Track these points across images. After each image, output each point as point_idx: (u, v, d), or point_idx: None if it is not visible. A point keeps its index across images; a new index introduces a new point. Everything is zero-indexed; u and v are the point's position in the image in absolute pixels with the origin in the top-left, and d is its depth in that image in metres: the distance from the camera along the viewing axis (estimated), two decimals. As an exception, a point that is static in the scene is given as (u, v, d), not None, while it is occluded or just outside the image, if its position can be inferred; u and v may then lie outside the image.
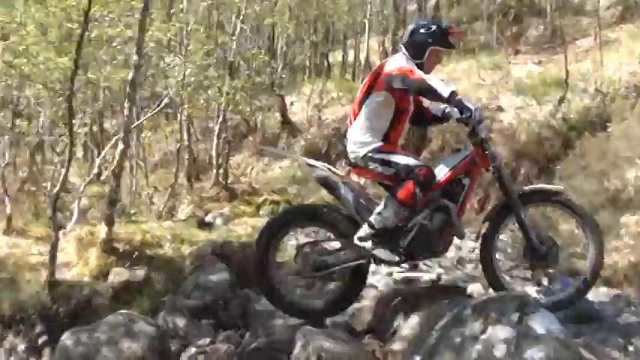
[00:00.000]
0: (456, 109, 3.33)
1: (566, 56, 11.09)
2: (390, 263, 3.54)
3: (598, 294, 4.17)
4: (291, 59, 17.56)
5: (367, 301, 3.80)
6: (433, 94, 3.24)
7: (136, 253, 4.81)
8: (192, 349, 3.54)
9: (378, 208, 3.39)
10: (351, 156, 3.52)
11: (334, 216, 3.59)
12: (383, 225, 3.37)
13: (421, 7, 18.29)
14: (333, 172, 3.60)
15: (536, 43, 15.51)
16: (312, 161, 3.72)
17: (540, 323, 2.81)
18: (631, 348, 3.15)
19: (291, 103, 14.53)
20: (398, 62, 3.40)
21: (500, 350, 2.68)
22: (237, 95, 10.34)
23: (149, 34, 7.30)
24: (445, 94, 3.18)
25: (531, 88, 11.74)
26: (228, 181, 10.65)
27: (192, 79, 8.73)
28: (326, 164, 3.64)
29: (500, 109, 11.49)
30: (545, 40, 15.34)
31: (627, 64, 10.81)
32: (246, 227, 6.50)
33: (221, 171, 10.52)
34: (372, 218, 3.40)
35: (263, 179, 11.87)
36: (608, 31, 13.69)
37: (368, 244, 3.41)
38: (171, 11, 9.71)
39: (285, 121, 13.76)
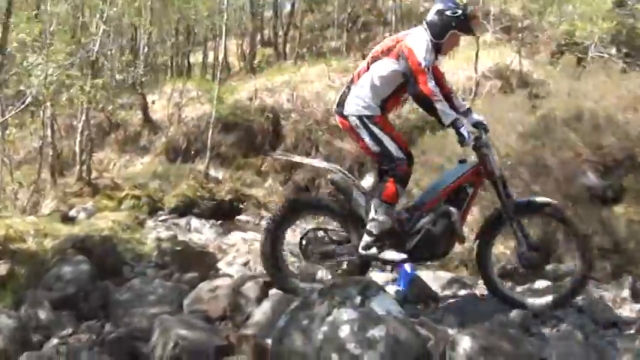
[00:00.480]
0: (474, 117, 3.70)
1: (408, 62, 12.82)
2: (396, 262, 3.72)
3: (436, 277, 4.70)
4: (153, 59, 17.89)
5: (222, 289, 3.98)
6: (432, 112, 3.47)
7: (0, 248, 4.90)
8: (55, 340, 3.56)
9: (370, 215, 3.56)
10: (348, 109, 3.61)
11: (341, 207, 3.76)
12: (380, 229, 3.55)
13: (277, 12, 19.69)
14: (347, 176, 3.74)
15: (382, 49, 17.61)
16: (326, 164, 3.87)
17: (381, 305, 3.01)
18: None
19: (153, 102, 14.80)
20: (418, 47, 3.47)
21: (344, 331, 2.85)
22: (99, 94, 10.79)
23: (13, 35, 7.64)
24: (445, 121, 3.46)
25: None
26: (92, 177, 10.86)
27: (55, 77, 9.09)
28: (338, 167, 3.80)
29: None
30: (390, 47, 17.45)
31: (464, 69, 11.98)
32: (107, 221, 6.72)
33: (84, 167, 10.74)
34: (368, 226, 3.57)
35: (125, 175, 12.07)
36: None
37: (373, 251, 3.58)
38: (34, 13, 9.87)
39: (147, 119, 14.10)
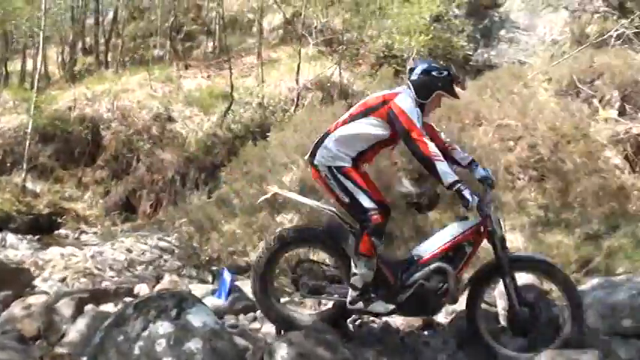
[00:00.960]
0: (481, 171, 3.63)
1: (231, 72, 12.54)
2: (384, 315, 3.65)
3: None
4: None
5: (36, 307, 3.88)
6: (433, 174, 3.40)
7: None
8: None
9: (352, 269, 3.51)
10: (320, 159, 3.61)
11: (332, 240, 3.69)
12: (364, 282, 3.49)
13: (98, 20, 19.15)
14: (343, 220, 3.66)
15: (206, 58, 17.16)
16: (325, 207, 3.73)
17: (197, 317, 3.03)
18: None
19: (-35, 113, 14.17)
20: (409, 107, 3.46)
21: (160, 345, 2.84)
22: None
23: None
24: (446, 183, 3.37)
25: (200, 100, 13.07)
26: None
27: None
28: (335, 209, 3.67)
29: (171, 119, 12.85)
30: (213, 57, 16.97)
31: (286, 80, 12.45)
32: None
33: None
34: (352, 280, 3.52)
35: None
36: (271, 51, 15.41)
37: (360, 305, 3.51)
38: None
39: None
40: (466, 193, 3.32)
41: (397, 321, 4.01)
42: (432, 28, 11.84)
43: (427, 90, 3.56)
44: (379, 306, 3.51)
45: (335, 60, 12.53)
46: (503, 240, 3.54)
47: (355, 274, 3.50)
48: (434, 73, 3.58)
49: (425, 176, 6.45)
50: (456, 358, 3.58)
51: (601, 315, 3.62)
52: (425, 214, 6.41)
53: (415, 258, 3.60)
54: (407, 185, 6.66)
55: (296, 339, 3.16)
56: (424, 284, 3.50)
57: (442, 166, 3.37)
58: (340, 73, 12.05)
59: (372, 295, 3.52)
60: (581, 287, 3.96)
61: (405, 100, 3.52)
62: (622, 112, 7.07)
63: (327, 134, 3.68)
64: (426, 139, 3.40)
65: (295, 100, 11.94)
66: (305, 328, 3.42)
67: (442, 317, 4.31)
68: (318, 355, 3.05)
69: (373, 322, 4.00)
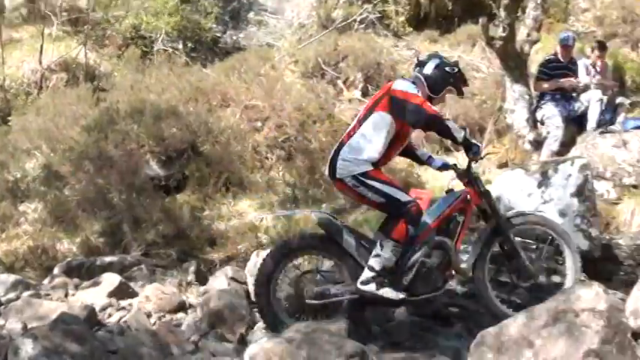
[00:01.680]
0: (437, 161, 4.28)
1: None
2: (394, 302, 3.90)
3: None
4: None
5: None
6: (445, 132, 3.88)
7: None
8: None
9: (376, 251, 3.80)
10: (341, 172, 3.85)
11: (332, 241, 3.96)
12: (383, 266, 3.79)
13: None
14: (335, 219, 4.02)
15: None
16: (317, 212, 4.22)
17: None
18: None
19: None
20: (408, 88, 3.84)
21: None
22: None
23: None
24: (459, 136, 3.85)
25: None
26: None
27: None
28: (327, 212, 4.14)
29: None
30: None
31: (29, 61, 11.87)
32: None
33: None
34: (371, 262, 3.79)
35: None
36: (13, 31, 14.17)
37: (372, 287, 3.77)
38: None
39: None
40: (474, 141, 4.02)
41: (148, 306, 4.37)
42: (181, 9, 12.44)
43: (440, 85, 3.98)
44: (390, 292, 3.82)
45: (80, 40, 12.41)
46: (492, 201, 4.18)
47: (378, 256, 3.81)
48: (447, 69, 4.00)
49: (173, 158, 7.05)
50: (208, 337, 4.08)
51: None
52: (173, 196, 6.87)
53: (411, 239, 3.94)
54: (155, 168, 7.06)
55: (41, 333, 3.22)
56: (426, 262, 3.91)
57: (451, 124, 3.92)
58: (86, 54, 11.97)
59: (385, 280, 3.83)
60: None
61: (402, 83, 3.96)
62: (365, 93, 8.38)
63: (341, 145, 3.96)
64: (432, 106, 3.84)
65: (39, 82, 11.48)
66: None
67: (194, 299, 4.86)
68: (66, 348, 3.15)
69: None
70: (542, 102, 7.75)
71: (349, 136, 4.01)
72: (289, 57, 9.61)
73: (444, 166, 4.39)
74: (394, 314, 4.37)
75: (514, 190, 5.43)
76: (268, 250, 4.30)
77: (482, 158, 4.25)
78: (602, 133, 7.30)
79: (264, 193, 6.89)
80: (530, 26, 8.04)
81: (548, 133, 7.53)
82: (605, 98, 7.81)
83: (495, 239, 4.20)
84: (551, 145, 7.36)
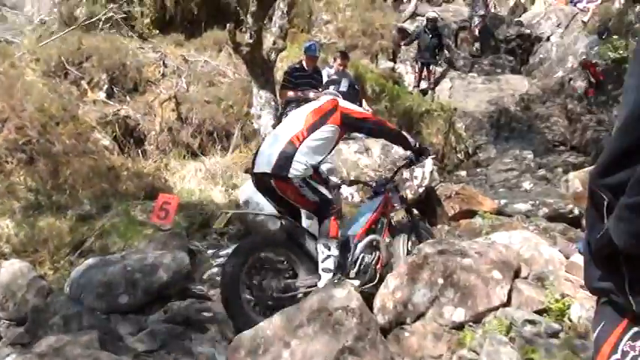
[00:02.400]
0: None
1: None
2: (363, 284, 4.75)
3: None
4: None
5: None
6: (403, 141, 5.16)
7: None
8: None
9: (324, 253, 4.65)
10: (295, 173, 4.55)
11: (291, 240, 4.81)
12: (337, 263, 4.68)
13: None
14: (294, 223, 4.80)
15: None
16: (277, 214, 4.94)
17: None
18: None
19: None
20: (351, 105, 4.97)
21: None
22: None
23: None
24: (413, 143, 5.15)
25: None
26: None
27: None
28: (287, 216, 4.81)
29: None
30: None
31: None
32: None
33: None
34: (325, 264, 4.63)
35: None
36: None
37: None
38: None
39: None
40: (425, 146, 5.51)
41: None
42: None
43: (353, 102, 5.08)
44: (356, 280, 4.74)
45: None
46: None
47: (328, 257, 4.63)
48: (357, 87, 5.42)
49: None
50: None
51: (98, 294, 4.52)
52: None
53: (350, 237, 4.93)
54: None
55: None
56: (365, 257, 4.88)
57: (406, 134, 5.15)
58: None
59: (339, 276, 4.66)
60: (77, 269, 4.82)
61: (347, 103, 4.96)
62: (110, 95, 8.46)
63: (293, 149, 4.59)
64: (382, 119, 5.09)
65: None
66: None
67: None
68: None
69: None
70: (288, 109, 8.30)
71: (299, 140, 4.62)
72: (30, 55, 9.50)
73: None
74: (146, 322, 4.58)
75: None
76: (226, 257, 4.88)
77: (387, 190, 5.38)
78: (345, 139, 7.98)
79: (5, 199, 6.75)
80: (276, 34, 8.80)
81: None
82: None
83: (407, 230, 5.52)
84: None
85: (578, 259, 4.62)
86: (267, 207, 5.73)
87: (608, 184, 1.65)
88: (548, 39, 17.29)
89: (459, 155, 12.12)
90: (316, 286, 4.65)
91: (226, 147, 7.84)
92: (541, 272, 4.74)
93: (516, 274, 4.53)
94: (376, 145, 8.06)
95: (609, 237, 1.59)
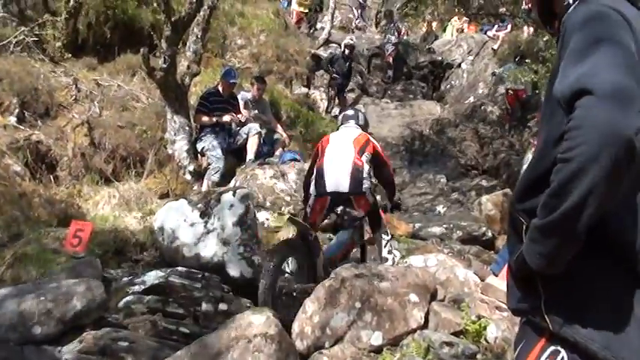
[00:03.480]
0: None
1: None
2: None
3: None
4: None
5: None
6: (392, 191, 6.84)
7: None
8: None
9: (385, 240, 6.36)
10: (364, 188, 6.05)
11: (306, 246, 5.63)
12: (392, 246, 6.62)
13: None
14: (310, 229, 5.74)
15: None
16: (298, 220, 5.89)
17: None
18: None
19: None
20: (378, 144, 6.54)
21: None
22: None
23: None
24: (396, 194, 6.84)
25: None
26: None
27: None
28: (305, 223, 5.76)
29: None
30: None
31: None
32: None
33: None
34: (387, 249, 6.36)
35: None
36: None
37: None
38: None
39: None
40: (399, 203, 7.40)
41: None
42: None
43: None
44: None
45: None
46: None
47: (387, 242, 6.41)
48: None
49: None
50: None
51: (11, 325, 4.44)
52: None
53: (331, 258, 6.06)
54: None
55: None
56: None
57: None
58: None
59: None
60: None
61: (375, 141, 6.52)
62: (21, 119, 8.24)
63: (355, 167, 6.02)
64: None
65: None
66: None
67: None
68: None
69: None
70: (203, 134, 8.65)
71: (360, 161, 6.08)
72: None
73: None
74: (61, 352, 4.54)
75: (177, 221, 6.02)
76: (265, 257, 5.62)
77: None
78: (260, 164, 8.43)
79: None
80: (190, 59, 8.92)
81: (208, 164, 8.45)
82: (263, 131, 9.08)
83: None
84: (212, 176, 8.27)
85: (493, 280, 4.88)
86: (181, 233, 5.86)
87: (526, 208, 1.77)
88: (459, 66, 18.06)
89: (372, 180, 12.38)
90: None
91: (140, 172, 7.78)
92: (457, 294, 4.95)
93: (433, 296, 4.76)
94: (291, 170, 8.25)
95: (524, 258, 1.71)
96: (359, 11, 21.20)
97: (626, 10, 1.75)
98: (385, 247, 6.24)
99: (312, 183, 6.16)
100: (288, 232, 6.51)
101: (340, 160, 6.01)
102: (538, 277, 1.71)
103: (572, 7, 1.85)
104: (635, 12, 1.80)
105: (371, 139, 6.40)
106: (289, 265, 5.61)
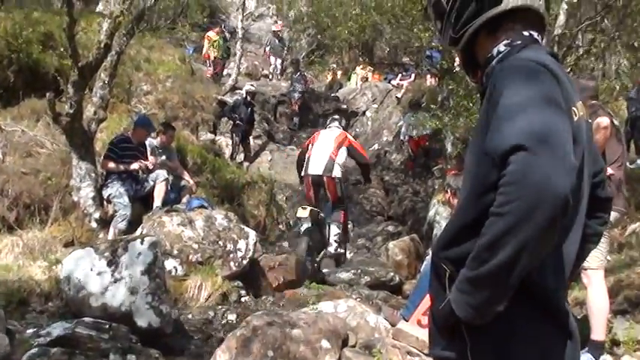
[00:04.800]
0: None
1: None
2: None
3: None
4: None
5: None
6: (367, 172, 10.57)
7: None
8: None
9: (334, 231, 9.58)
10: (336, 174, 9.24)
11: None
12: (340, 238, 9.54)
13: None
14: (320, 214, 9.23)
15: None
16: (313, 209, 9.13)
17: None
18: None
19: None
20: (354, 140, 10.20)
21: None
22: None
23: None
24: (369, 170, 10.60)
25: None
26: None
27: None
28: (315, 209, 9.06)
29: None
30: None
31: None
32: None
33: None
34: (334, 239, 9.40)
35: None
36: None
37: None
38: None
39: None
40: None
41: None
42: None
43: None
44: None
45: None
46: None
47: (336, 234, 9.21)
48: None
49: None
50: None
51: None
52: None
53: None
54: None
55: None
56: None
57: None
58: None
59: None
60: None
61: (349, 135, 9.76)
62: None
63: (330, 158, 9.28)
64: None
65: None
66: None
67: None
68: None
69: None
70: (109, 181, 8.58)
71: (335, 154, 9.31)
72: None
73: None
74: None
75: (84, 270, 5.94)
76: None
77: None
78: (168, 211, 8.41)
79: None
80: (97, 104, 8.87)
81: (115, 211, 8.39)
82: (170, 178, 9.11)
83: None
84: (119, 223, 8.20)
85: (404, 326, 5.02)
86: (88, 282, 5.82)
87: (450, 257, 1.79)
88: (364, 113, 18.61)
89: (280, 226, 12.67)
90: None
91: (45, 220, 7.64)
92: (368, 340, 5.04)
93: (344, 342, 4.85)
94: (199, 217, 8.25)
95: (451, 307, 1.70)
96: (277, 61, 21.58)
97: (547, 61, 1.80)
98: (335, 235, 9.28)
99: (303, 167, 9.40)
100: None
101: (321, 153, 9.27)
102: (464, 325, 1.71)
103: (495, 60, 1.91)
104: (553, 60, 1.86)
105: (348, 136, 9.76)
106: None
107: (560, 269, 1.80)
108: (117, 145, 8.81)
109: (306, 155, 9.38)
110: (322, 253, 9.24)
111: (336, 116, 10.22)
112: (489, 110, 1.74)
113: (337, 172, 9.12)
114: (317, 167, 9.11)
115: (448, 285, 1.76)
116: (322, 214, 9.20)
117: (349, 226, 10.01)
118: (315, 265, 8.86)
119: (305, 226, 8.72)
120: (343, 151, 9.29)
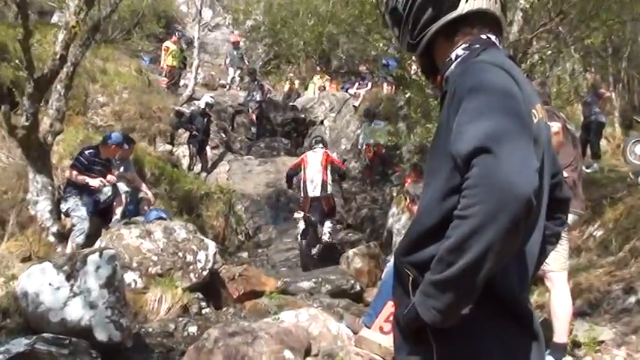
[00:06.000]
0: None
1: None
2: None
3: None
4: None
5: None
6: (344, 173, 12.18)
7: None
8: None
9: (329, 226, 11.27)
10: (328, 192, 11.18)
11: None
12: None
13: None
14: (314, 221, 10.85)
15: None
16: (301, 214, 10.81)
17: None
18: None
19: None
20: (335, 156, 12.37)
21: None
22: None
23: None
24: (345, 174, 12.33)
25: None
26: None
27: None
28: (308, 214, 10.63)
29: None
30: None
31: None
32: None
33: None
34: (328, 230, 11.12)
35: None
36: None
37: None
38: None
39: None
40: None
41: None
42: None
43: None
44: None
45: None
46: None
47: (330, 227, 10.95)
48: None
49: None
50: None
51: None
52: None
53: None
54: None
55: None
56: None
57: None
58: None
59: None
60: None
61: (334, 155, 12.02)
62: None
63: (323, 180, 10.93)
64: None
65: None
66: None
67: None
68: None
69: None
70: (67, 194, 8.51)
71: (326, 175, 10.89)
72: None
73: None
74: None
75: (42, 284, 5.87)
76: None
77: None
78: (126, 224, 8.35)
79: None
80: (53, 117, 8.76)
81: (73, 225, 8.30)
82: (129, 190, 9.12)
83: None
84: (77, 237, 8.13)
85: (366, 333, 5.07)
86: (47, 298, 5.81)
87: (413, 261, 1.78)
88: (322, 122, 18.67)
89: (239, 237, 12.69)
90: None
91: (1, 235, 7.50)
92: (331, 349, 5.06)
93: (307, 351, 4.86)
94: (158, 228, 8.20)
95: (416, 312, 1.68)
96: (236, 72, 21.49)
97: (506, 63, 1.81)
98: (329, 227, 10.94)
99: (301, 188, 10.97)
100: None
101: (315, 177, 10.85)
102: (428, 328, 1.71)
103: (454, 64, 1.91)
104: (512, 63, 1.88)
105: (330, 155, 11.43)
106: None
107: (523, 270, 1.81)
108: (86, 157, 8.75)
109: (301, 179, 11.07)
110: (317, 246, 11.02)
111: (319, 138, 12.04)
112: (450, 114, 1.75)
113: (330, 190, 11.07)
114: (315, 190, 10.85)
115: (412, 290, 1.76)
116: (313, 218, 10.85)
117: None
118: (314, 255, 10.94)
119: (301, 226, 10.79)
120: (329, 170, 11.02)
